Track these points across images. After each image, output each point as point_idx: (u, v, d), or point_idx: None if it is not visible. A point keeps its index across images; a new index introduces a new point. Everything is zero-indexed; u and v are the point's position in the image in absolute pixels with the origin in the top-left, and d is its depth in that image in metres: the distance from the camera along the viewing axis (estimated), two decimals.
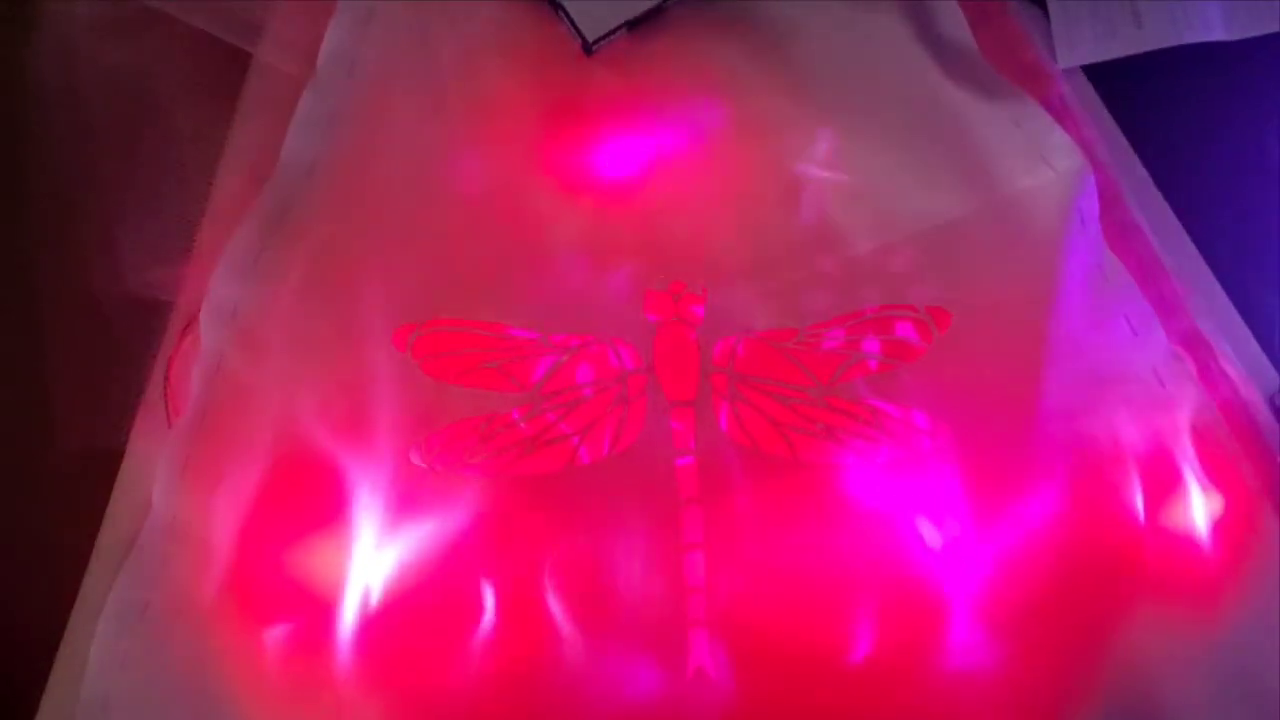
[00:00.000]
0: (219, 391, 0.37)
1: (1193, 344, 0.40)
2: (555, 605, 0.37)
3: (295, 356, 0.38)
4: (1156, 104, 0.43)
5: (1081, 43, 0.42)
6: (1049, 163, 0.40)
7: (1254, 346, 0.41)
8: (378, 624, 0.36)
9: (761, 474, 0.39)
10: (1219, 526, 0.39)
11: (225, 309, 0.38)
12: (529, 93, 0.40)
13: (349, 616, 0.36)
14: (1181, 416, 0.40)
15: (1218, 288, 0.41)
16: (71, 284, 0.38)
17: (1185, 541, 0.39)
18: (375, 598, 0.37)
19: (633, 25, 0.41)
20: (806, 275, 0.40)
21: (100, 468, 0.38)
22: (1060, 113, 0.40)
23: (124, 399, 0.38)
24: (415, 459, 0.38)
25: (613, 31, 0.40)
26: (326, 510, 0.37)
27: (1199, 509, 0.39)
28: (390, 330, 0.38)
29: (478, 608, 0.37)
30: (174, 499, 0.37)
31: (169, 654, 0.36)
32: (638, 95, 0.41)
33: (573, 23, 0.40)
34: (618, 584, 0.37)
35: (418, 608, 0.37)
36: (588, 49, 0.40)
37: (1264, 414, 0.40)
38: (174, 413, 0.37)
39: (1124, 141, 0.42)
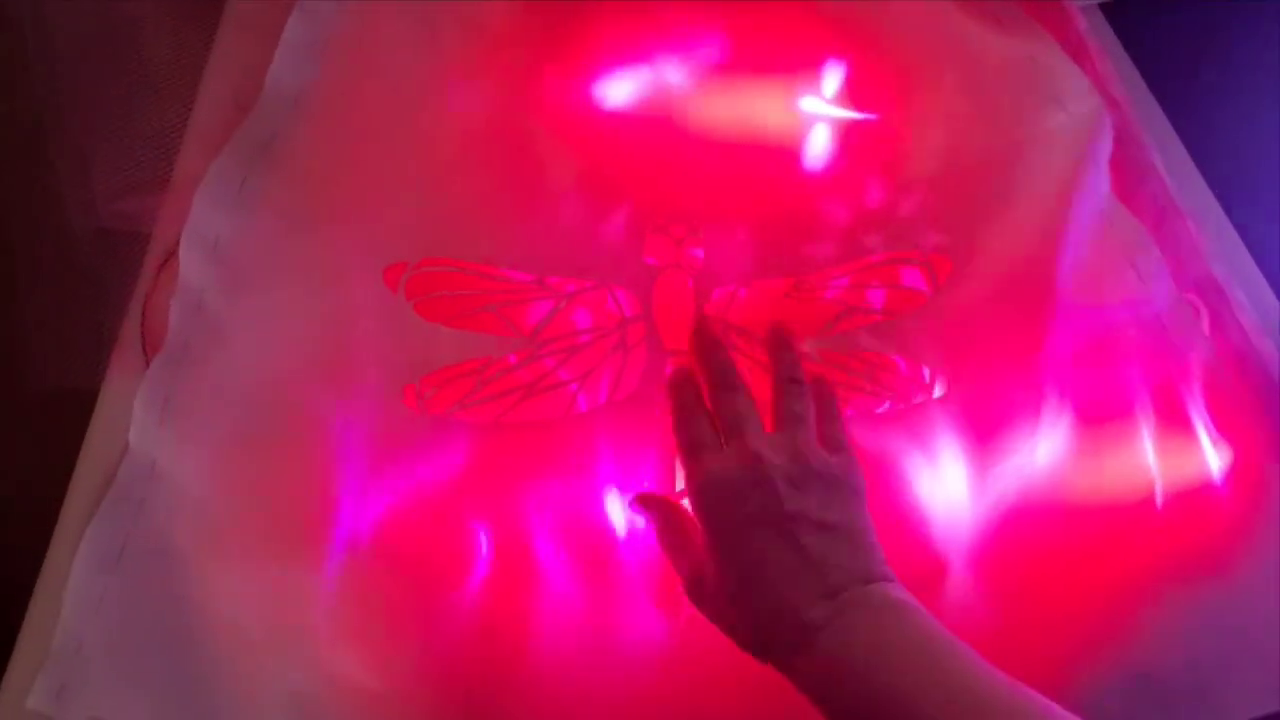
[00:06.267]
0: (200, 328, 0.36)
1: (1207, 291, 0.39)
2: (549, 553, 0.36)
3: (281, 292, 0.36)
4: (1173, 43, 0.42)
5: None
6: (1063, 105, 0.39)
7: (1269, 295, 0.40)
8: (363, 571, 0.35)
9: None
10: (1227, 478, 0.38)
11: (206, 240, 0.36)
12: (525, 21, 0.39)
13: (333, 562, 0.35)
14: (1188, 366, 0.39)
15: (1234, 234, 0.40)
16: (43, 216, 0.36)
17: (1193, 494, 0.38)
18: (361, 544, 0.35)
19: None
20: (810, 219, 0.39)
21: (75, 408, 0.36)
22: (1078, 50, 0.39)
23: (99, 336, 0.36)
24: (408, 402, 0.36)
25: None
26: (312, 453, 0.35)
27: (1207, 460, 0.38)
28: (381, 268, 0.37)
29: (469, 556, 0.36)
30: (152, 440, 0.35)
31: (145, 598, 0.34)
32: (638, 26, 0.39)
33: None
34: (613, 531, 0.36)
35: (405, 555, 0.35)
36: None
37: (1276, 364, 0.39)
38: (151, 350, 0.36)
39: (1141, 82, 0.40)
